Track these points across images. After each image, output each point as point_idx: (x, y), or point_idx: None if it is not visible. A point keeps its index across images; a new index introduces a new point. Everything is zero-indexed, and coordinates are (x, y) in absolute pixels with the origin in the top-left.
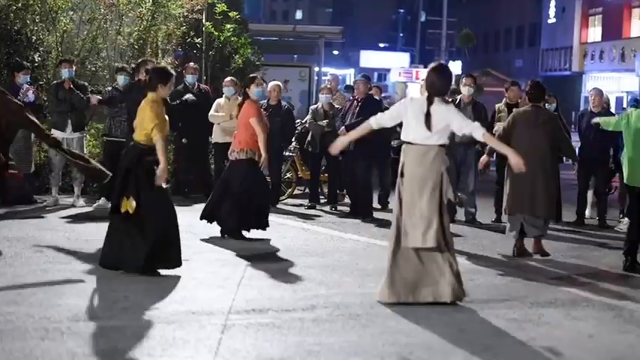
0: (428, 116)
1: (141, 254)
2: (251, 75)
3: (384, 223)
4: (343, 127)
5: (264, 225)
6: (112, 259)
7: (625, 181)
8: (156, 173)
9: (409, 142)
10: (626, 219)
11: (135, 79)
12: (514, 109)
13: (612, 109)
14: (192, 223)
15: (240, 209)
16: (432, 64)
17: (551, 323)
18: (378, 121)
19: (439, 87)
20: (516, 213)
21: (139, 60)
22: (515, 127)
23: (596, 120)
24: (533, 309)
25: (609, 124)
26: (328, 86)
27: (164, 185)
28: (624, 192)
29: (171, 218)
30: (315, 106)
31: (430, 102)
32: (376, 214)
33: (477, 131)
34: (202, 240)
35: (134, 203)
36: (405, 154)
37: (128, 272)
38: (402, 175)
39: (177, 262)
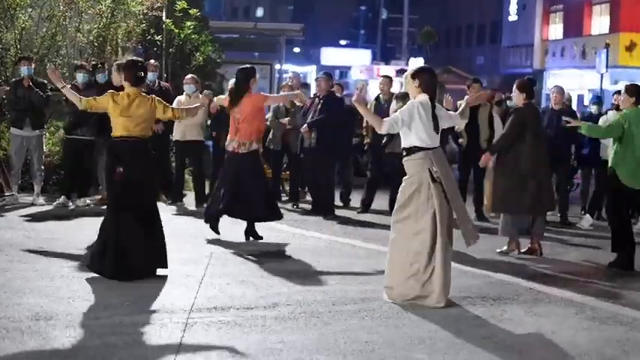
0: (435, 119)
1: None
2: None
3: (345, 221)
4: (306, 124)
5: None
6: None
7: (624, 181)
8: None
9: (428, 147)
10: (587, 215)
11: (94, 78)
12: (516, 108)
13: (574, 106)
14: None
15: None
16: (425, 67)
17: (514, 320)
18: (394, 127)
19: (435, 89)
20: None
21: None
22: (527, 128)
23: (572, 124)
24: (495, 306)
25: (598, 132)
26: (290, 84)
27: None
28: (586, 189)
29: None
30: (275, 105)
31: (434, 105)
32: (338, 212)
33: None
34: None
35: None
36: (431, 159)
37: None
38: (434, 180)
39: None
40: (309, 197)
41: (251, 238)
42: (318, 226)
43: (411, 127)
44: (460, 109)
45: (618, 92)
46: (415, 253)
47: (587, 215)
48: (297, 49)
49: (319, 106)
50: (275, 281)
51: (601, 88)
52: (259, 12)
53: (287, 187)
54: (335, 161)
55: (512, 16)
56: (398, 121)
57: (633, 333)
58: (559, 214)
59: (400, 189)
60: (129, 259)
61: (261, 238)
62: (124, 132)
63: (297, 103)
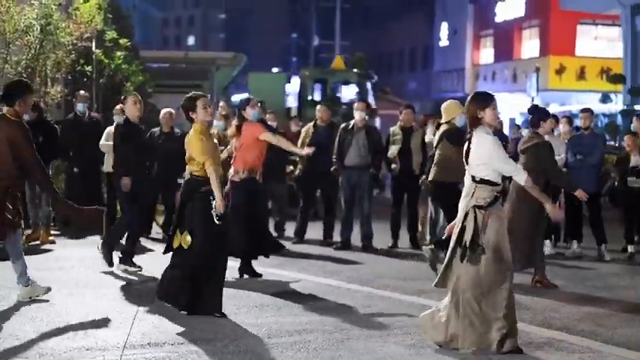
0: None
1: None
2: (246, 97)
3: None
4: None
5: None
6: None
7: None
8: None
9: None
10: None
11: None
12: (538, 140)
13: (505, 130)
14: (85, 255)
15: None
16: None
17: (449, 348)
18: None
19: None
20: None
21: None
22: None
23: None
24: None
25: None
26: (223, 113)
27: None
28: None
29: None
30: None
31: None
32: None
33: None
34: (101, 272)
35: (189, 238)
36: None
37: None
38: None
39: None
40: None
41: (245, 276)
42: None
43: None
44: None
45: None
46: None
47: (547, 241)
48: None
49: None
50: (209, 316)
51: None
52: (191, 40)
53: None
54: (268, 190)
55: (443, 41)
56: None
57: (568, 358)
58: None
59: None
60: None
61: (260, 275)
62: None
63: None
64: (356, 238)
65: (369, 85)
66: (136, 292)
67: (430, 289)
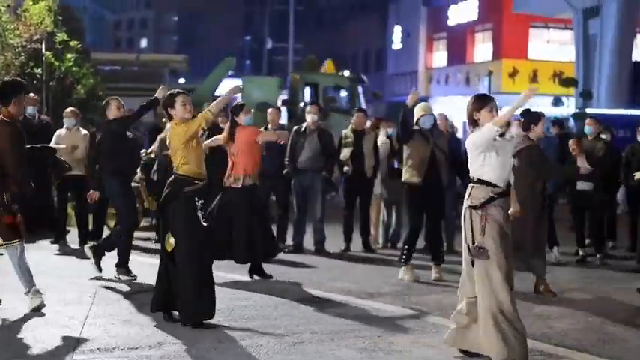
0: None
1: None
2: (239, 103)
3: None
4: None
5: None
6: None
7: None
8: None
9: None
10: None
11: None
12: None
13: (459, 134)
14: (38, 260)
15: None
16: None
17: (402, 351)
18: None
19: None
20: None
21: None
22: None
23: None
24: (382, 337)
25: None
26: None
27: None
28: None
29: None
30: (163, 135)
31: None
32: None
33: None
34: (54, 277)
35: (172, 240)
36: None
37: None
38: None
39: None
40: None
41: (255, 277)
42: None
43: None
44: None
45: None
46: None
47: None
48: (182, 80)
49: (204, 137)
50: (160, 320)
51: None
52: (143, 43)
53: None
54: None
55: (397, 44)
56: None
57: None
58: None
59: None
60: None
61: (271, 276)
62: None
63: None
64: (308, 241)
65: (360, 88)
66: (88, 297)
67: (383, 291)
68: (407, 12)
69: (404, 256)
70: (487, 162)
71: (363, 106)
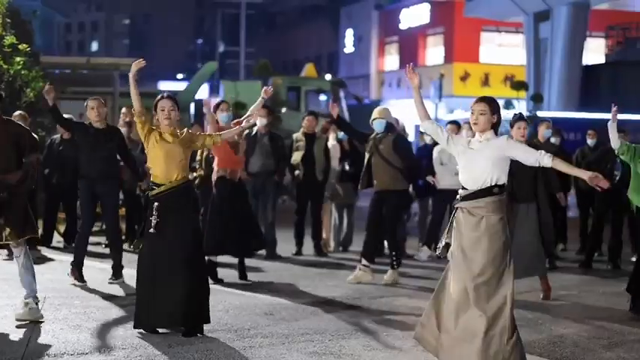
0: None
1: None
2: (218, 100)
3: None
4: None
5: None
6: None
7: None
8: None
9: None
10: (425, 247)
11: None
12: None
13: (411, 137)
14: None
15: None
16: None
17: (353, 355)
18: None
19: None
20: None
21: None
22: None
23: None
24: (333, 341)
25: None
26: (126, 119)
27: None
28: (424, 220)
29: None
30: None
31: None
32: None
33: None
34: (2, 283)
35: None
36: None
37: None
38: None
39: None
40: None
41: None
42: None
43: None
44: None
45: (451, 122)
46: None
47: (425, 247)
48: None
49: None
50: (110, 325)
51: (436, 118)
52: (94, 46)
53: (123, 225)
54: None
55: (349, 48)
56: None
57: None
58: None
59: (494, 234)
60: None
61: (222, 280)
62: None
63: (134, 138)
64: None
65: (342, 92)
66: (37, 301)
67: (334, 295)
68: (359, 16)
69: (395, 261)
70: (458, 160)
71: (345, 110)
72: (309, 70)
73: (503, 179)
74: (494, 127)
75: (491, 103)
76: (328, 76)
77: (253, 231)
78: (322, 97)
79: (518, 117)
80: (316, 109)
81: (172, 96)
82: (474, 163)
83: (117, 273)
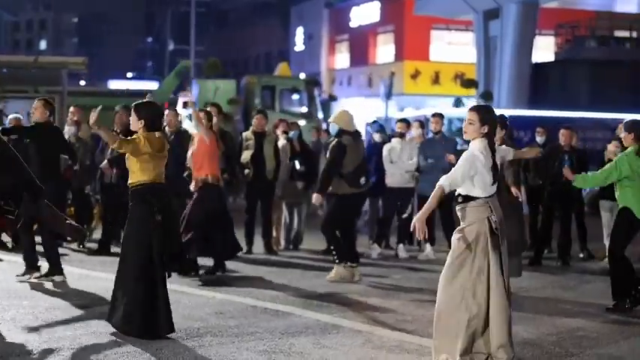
0: (495, 167)
1: None
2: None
3: None
4: (106, 160)
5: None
6: None
7: None
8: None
9: (491, 195)
10: (376, 245)
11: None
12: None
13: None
14: None
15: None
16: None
17: (302, 353)
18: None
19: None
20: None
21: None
22: None
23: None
24: (283, 339)
25: (595, 179)
26: (74, 118)
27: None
28: (374, 218)
29: None
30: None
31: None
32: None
33: None
34: None
35: None
36: (491, 207)
37: None
38: (492, 232)
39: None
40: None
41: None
42: (104, 266)
43: (474, 180)
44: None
45: (400, 120)
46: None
47: (376, 245)
48: (82, 82)
49: None
50: (59, 325)
51: (386, 116)
52: (42, 44)
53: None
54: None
55: (299, 46)
56: (457, 179)
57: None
58: None
59: (455, 238)
60: None
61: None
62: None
63: (82, 137)
64: None
65: (316, 91)
66: None
67: (284, 293)
68: (309, 14)
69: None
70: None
71: (319, 109)
72: (282, 68)
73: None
74: (486, 137)
75: (481, 112)
76: (302, 75)
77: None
78: (295, 96)
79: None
80: (290, 109)
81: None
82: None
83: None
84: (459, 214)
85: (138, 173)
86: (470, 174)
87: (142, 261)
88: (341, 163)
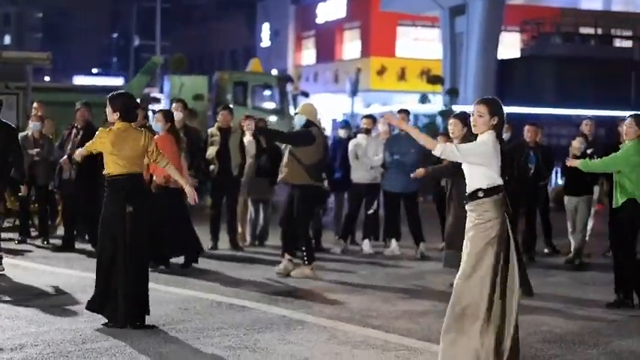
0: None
1: None
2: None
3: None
4: (65, 156)
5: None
6: None
7: None
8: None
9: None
10: (341, 240)
11: None
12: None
13: (327, 132)
14: None
15: None
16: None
17: (267, 349)
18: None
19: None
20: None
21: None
22: None
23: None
24: (248, 335)
25: (595, 166)
26: (39, 114)
27: None
28: (339, 214)
29: None
30: (25, 133)
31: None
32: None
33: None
34: None
35: None
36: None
37: None
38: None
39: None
40: (59, 232)
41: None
42: (68, 263)
43: (493, 168)
44: None
45: (366, 116)
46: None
47: (341, 240)
48: (47, 78)
49: (79, 137)
50: (22, 321)
51: (352, 112)
52: (6, 39)
53: (37, 222)
54: (97, 193)
55: (265, 43)
56: (458, 151)
57: (384, 355)
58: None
59: (471, 237)
60: None
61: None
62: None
63: (45, 133)
64: None
65: (289, 87)
66: None
67: (249, 289)
68: (275, 10)
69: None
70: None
71: (291, 105)
72: (254, 65)
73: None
74: (495, 128)
75: (489, 104)
76: (274, 71)
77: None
78: (267, 92)
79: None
80: (263, 105)
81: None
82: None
83: None
84: (476, 209)
85: (108, 164)
86: (477, 154)
87: (100, 250)
88: (305, 144)
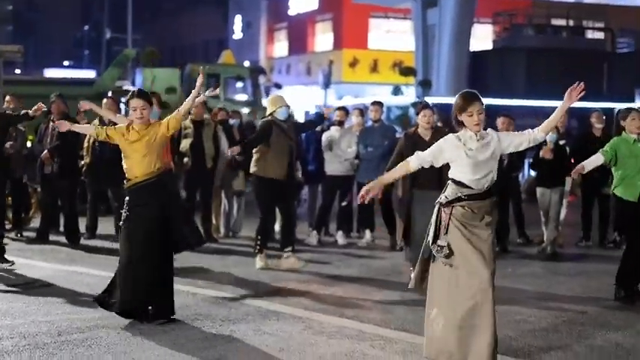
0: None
1: None
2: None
3: (73, 248)
4: (46, 150)
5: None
6: None
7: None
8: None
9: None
10: (314, 232)
11: None
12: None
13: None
14: None
15: None
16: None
17: (243, 340)
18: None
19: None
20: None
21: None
22: None
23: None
24: (224, 326)
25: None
26: (11, 106)
27: None
28: (313, 205)
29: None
30: None
31: None
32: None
33: None
34: None
35: None
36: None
37: None
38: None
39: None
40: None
41: None
42: (43, 255)
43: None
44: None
45: (339, 108)
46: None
47: (314, 232)
48: (18, 71)
49: (56, 131)
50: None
51: (325, 104)
52: None
53: (10, 215)
54: (77, 187)
55: (237, 34)
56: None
57: (359, 345)
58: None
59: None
60: None
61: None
62: None
63: (20, 128)
64: None
65: (261, 79)
66: None
67: (224, 280)
68: (247, 2)
69: (257, 246)
70: (457, 162)
71: (264, 96)
72: (226, 56)
73: None
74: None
75: (480, 99)
76: (247, 63)
77: None
78: (239, 84)
79: (424, 105)
80: (235, 97)
81: (144, 93)
82: (487, 162)
83: None
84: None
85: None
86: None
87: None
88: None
